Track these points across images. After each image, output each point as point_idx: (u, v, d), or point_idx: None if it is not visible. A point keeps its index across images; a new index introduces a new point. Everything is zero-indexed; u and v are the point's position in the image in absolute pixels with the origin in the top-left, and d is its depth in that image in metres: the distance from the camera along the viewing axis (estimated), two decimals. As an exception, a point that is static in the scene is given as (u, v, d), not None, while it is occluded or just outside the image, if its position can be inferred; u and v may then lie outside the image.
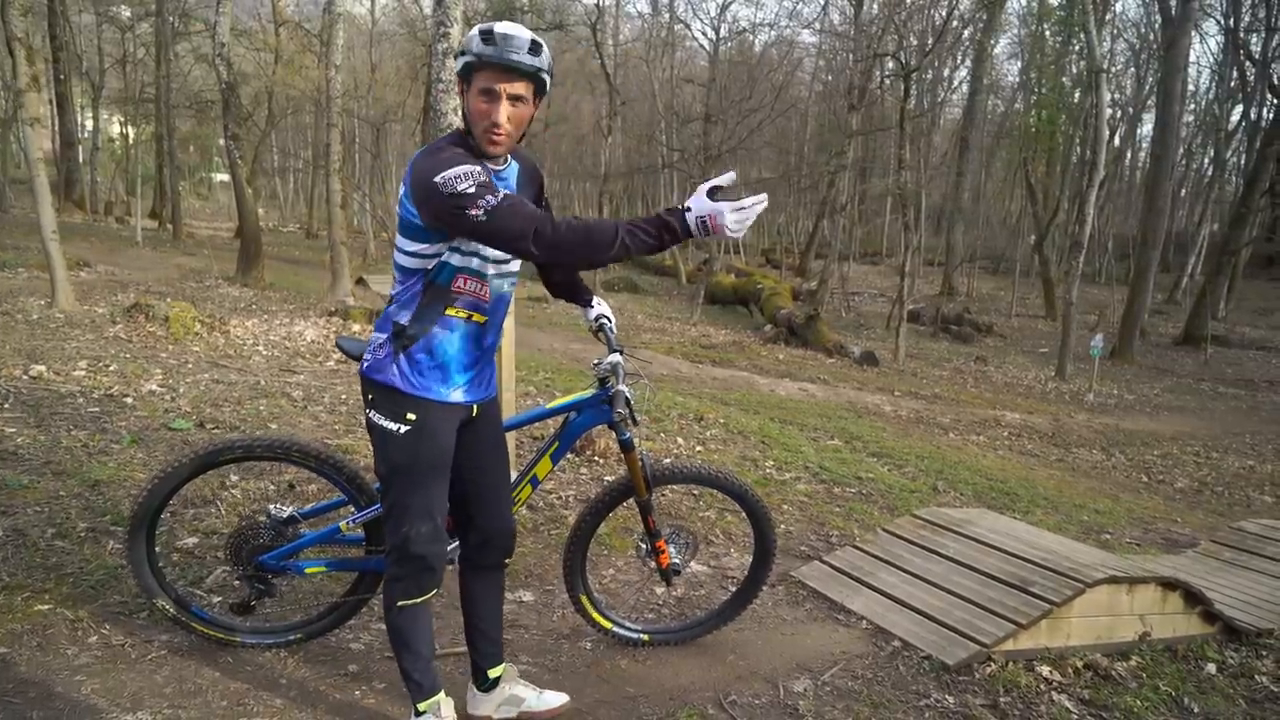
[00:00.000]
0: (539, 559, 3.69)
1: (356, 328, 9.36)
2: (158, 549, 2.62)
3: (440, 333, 2.10)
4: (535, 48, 1.94)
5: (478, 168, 1.91)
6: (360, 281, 16.68)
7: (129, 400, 5.26)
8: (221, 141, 22.12)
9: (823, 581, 3.62)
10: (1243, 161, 31.76)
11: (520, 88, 1.96)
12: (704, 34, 38.40)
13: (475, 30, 1.95)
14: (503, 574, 2.48)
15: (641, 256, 1.90)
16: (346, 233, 16.93)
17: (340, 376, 6.90)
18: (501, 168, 2.13)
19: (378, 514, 2.51)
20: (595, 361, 2.63)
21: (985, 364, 16.77)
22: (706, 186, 1.88)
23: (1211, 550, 4.88)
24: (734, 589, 3.32)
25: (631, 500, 2.81)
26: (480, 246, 2.05)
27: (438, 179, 1.89)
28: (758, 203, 1.87)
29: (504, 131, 1.98)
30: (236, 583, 2.84)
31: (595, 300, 2.77)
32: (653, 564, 2.92)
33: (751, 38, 32.70)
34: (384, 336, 2.12)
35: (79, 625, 2.67)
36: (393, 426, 2.08)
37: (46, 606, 2.74)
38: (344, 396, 6.11)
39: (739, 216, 1.85)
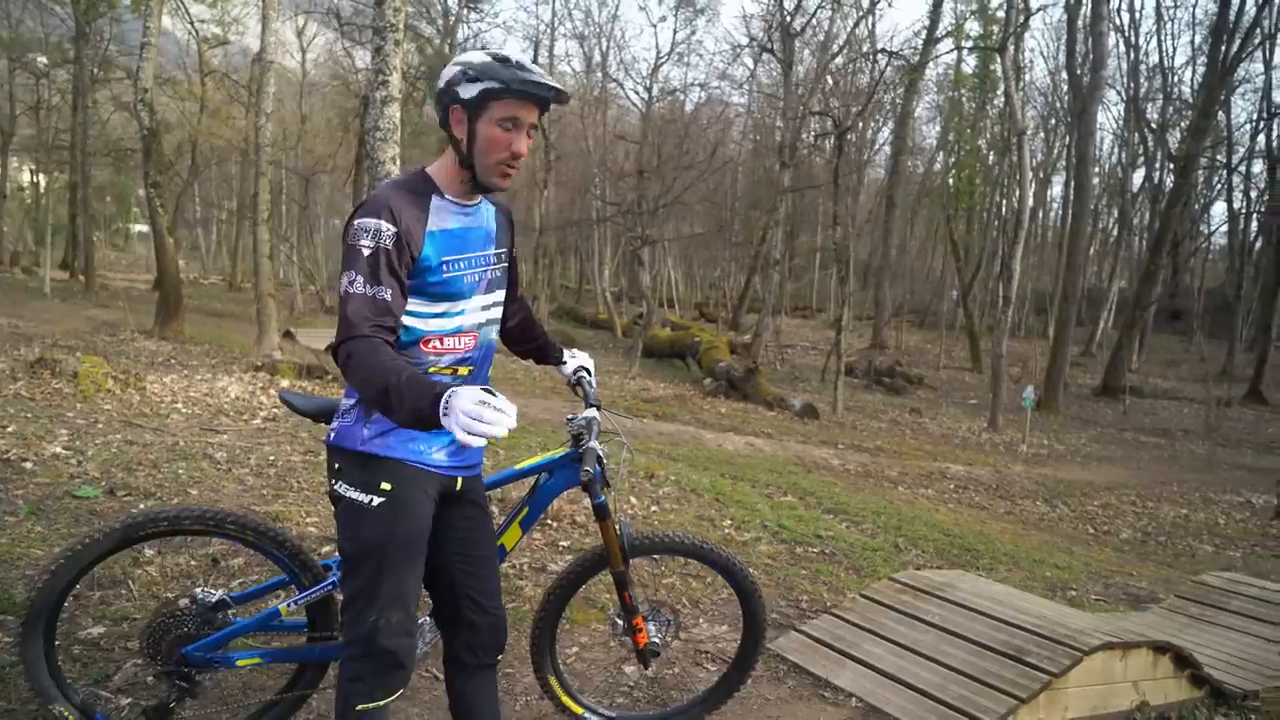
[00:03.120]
0: (495, 637, 3.36)
1: (285, 383, 8.87)
2: (58, 643, 2.22)
3: None
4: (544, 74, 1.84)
5: (391, 229, 1.74)
6: (288, 335, 16.06)
7: (28, 465, 4.75)
8: (141, 191, 21.26)
9: (803, 654, 3.38)
10: (1146, 221, 33.56)
11: (538, 116, 1.86)
12: (636, 93, 39.13)
13: (486, 56, 1.80)
14: (495, 672, 2.18)
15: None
16: (274, 285, 16.32)
17: (268, 435, 6.44)
18: (474, 204, 1.96)
19: (324, 594, 2.21)
20: (569, 417, 2.37)
21: (920, 415, 16.97)
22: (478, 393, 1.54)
23: (1178, 606, 4.81)
24: (715, 670, 3.05)
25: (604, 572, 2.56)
26: (447, 302, 1.89)
27: (354, 221, 1.78)
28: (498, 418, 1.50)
29: (518, 165, 1.86)
30: (151, 680, 2.45)
31: (568, 354, 2.53)
32: (628, 643, 2.64)
33: (683, 97, 33.39)
34: (353, 401, 1.91)
35: (-46, 741, 2.24)
36: (363, 499, 1.84)
37: (-85, 718, 2.31)
38: (271, 457, 5.68)
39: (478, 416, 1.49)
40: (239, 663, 2.25)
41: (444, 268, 1.86)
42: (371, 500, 1.84)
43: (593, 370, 2.53)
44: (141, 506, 4.33)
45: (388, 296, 1.72)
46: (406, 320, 1.85)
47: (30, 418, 5.91)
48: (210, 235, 46.50)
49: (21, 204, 35.50)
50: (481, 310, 1.98)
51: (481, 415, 1.48)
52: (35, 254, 29.12)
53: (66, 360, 7.45)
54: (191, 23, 27.35)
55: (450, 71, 1.83)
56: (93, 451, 5.24)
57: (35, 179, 33.51)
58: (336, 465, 1.89)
